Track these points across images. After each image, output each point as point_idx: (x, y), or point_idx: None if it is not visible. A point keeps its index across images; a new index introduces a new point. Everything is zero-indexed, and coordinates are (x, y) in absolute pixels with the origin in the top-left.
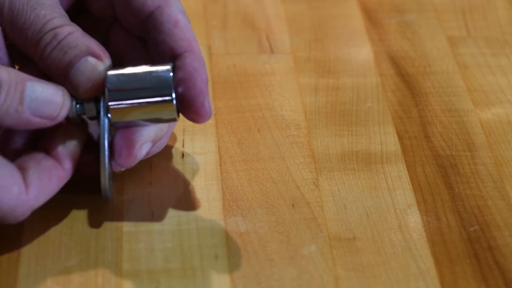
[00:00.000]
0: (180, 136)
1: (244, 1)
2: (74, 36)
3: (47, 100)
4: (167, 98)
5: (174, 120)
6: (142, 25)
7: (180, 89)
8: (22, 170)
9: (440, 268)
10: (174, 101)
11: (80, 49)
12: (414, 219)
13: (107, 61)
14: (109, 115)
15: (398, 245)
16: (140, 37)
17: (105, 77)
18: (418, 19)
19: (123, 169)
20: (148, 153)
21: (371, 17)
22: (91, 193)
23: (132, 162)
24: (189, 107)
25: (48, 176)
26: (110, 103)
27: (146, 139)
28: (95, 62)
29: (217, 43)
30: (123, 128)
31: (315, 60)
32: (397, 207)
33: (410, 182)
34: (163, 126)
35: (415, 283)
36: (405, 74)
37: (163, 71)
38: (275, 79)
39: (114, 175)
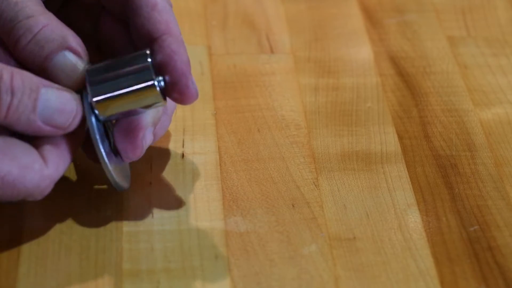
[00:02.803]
0: (180, 136)
1: (244, 1)
2: (50, 29)
3: (60, 109)
4: (148, 83)
5: (161, 104)
6: (124, 9)
7: (162, 73)
8: (38, 146)
9: (440, 268)
10: (157, 87)
11: (57, 43)
12: (414, 219)
13: (85, 56)
14: (96, 111)
15: (398, 245)
16: (126, 23)
17: (85, 73)
18: (418, 19)
19: (135, 159)
20: (154, 136)
21: (371, 17)
22: (91, 193)
23: (141, 152)
24: (173, 89)
25: (63, 146)
26: (94, 99)
27: (146, 125)
28: (73, 59)
29: (217, 43)
30: (113, 120)
31: (315, 60)
32: (397, 207)
33: (410, 182)
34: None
35: (415, 283)
36: (405, 74)
37: (140, 57)
38: (275, 79)
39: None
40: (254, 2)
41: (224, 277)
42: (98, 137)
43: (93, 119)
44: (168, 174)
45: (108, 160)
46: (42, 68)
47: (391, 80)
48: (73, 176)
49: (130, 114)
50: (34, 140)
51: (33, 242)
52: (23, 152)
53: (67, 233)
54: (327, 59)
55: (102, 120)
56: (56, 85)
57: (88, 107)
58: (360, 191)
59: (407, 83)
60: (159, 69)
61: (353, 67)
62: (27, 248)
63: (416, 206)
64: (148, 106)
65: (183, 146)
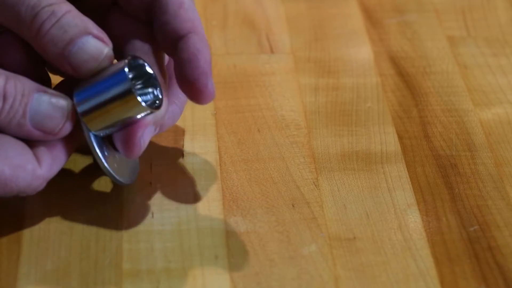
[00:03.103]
0: (180, 136)
1: (244, 1)
2: (73, 15)
3: (50, 115)
4: (128, 96)
5: (150, 112)
6: (147, 8)
7: (183, 70)
8: (32, 146)
9: (440, 268)
10: (138, 98)
11: (80, 28)
12: (414, 219)
13: (109, 42)
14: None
15: (398, 245)
16: (142, 21)
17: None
18: (418, 19)
19: (133, 158)
20: (160, 128)
21: (371, 17)
22: (91, 193)
23: (138, 151)
24: (192, 88)
25: (58, 147)
26: (81, 117)
27: (145, 124)
28: (97, 43)
29: (217, 43)
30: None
31: (315, 60)
32: (397, 207)
33: (410, 182)
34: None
35: (415, 283)
36: (405, 74)
37: (118, 70)
38: (275, 79)
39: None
40: (254, 2)
41: (224, 277)
42: (95, 144)
43: (85, 127)
44: (168, 174)
45: (110, 155)
46: (63, 54)
47: (391, 80)
48: (73, 176)
49: (125, 124)
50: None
51: (33, 242)
52: (17, 152)
53: (67, 233)
54: (327, 59)
55: (96, 133)
56: (51, 91)
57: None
58: (360, 191)
59: (407, 83)
60: (179, 66)
61: (353, 67)
62: (27, 248)
63: (416, 206)
64: (138, 115)
65: (183, 146)
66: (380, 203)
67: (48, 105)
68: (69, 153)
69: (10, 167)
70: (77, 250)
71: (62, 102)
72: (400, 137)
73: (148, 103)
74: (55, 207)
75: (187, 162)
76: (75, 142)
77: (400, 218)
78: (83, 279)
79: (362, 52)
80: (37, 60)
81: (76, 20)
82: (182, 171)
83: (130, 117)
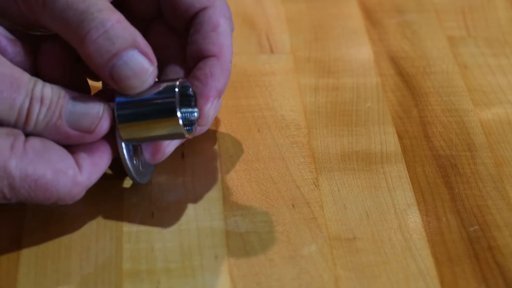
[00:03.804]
0: None
1: (244, 1)
2: (122, 26)
3: (85, 112)
4: (172, 119)
5: (185, 137)
6: (188, 22)
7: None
8: (73, 153)
9: (440, 268)
10: (180, 121)
11: (128, 41)
12: (414, 219)
13: (154, 60)
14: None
15: (398, 245)
16: (183, 35)
17: (116, 95)
18: (418, 19)
19: (154, 163)
20: (198, 131)
21: (371, 17)
22: (91, 193)
23: (162, 158)
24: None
25: (99, 155)
26: (119, 124)
27: None
28: (143, 59)
29: None
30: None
31: (315, 60)
32: (397, 207)
33: (410, 182)
34: None
35: (415, 283)
36: (405, 74)
37: (169, 90)
38: (275, 79)
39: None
40: (254, 2)
41: (224, 277)
42: (126, 154)
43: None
44: (168, 174)
45: (134, 159)
46: (107, 65)
47: (391, 80)
48: None
49: (151, 140)
50: (71, 147)
51: (33, 242)
52: (59, 157)
53: (67, 233)
54: (327, 59)
55: (127, 143)
56: (85, 94)
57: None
58: (360, 191)
59: (407, 83)
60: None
61: (353, 67)
62: (27, 248)
63: (416, 206)
64: (171, 137)
65: (183, 146)
66: (380, 203)
67: (83, 104)
68: (107, 162)
69: (52, 171)
70: (77, 250)
71: (96, 100)
72: (400, 137)
73: (185, 123)
74: (55, 207)
75: (187, 162)
76: (113, 152)
77: (400, 218)
78: (83, 279)
79: (362, 52)
80: (79, 71)
81: (124, 32)
82: (182, 171)
83: (166, 135)
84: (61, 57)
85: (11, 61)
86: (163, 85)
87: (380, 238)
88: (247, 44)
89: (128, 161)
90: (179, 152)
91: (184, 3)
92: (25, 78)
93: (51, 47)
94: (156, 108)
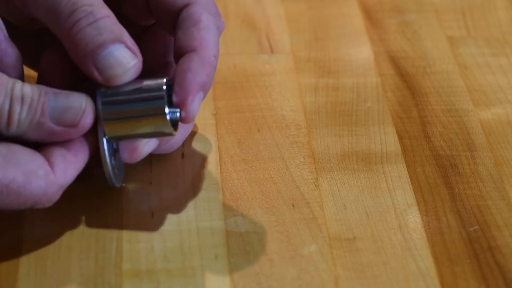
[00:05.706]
0: None
1: (244, 1)
2: (111, 20)
3: (67, 106)
4: (159, 114)
5: (170, 134)
6: (173, 23)
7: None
8: (45, 152)
9: (440, 268)
10: (168, 116)
11: (115, 34)
12: (414, 219)
13: (139, 56)
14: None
15: (398, 245)
16: (172, 35)
17: (99, 92)
18: (418, 19)
19: (131, 162)
20: (159, 146)
21: (371, 17)
22: (91, 193)
23: (137, 157)
24: (176, 104)
25: (73, 152)
26: (103, 119)
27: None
28: (127, 53)
29: None
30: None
31: (315, 60)
32: (397, 207)
33: (410, 182)
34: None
35: (415, 283)
36: (405, 74)
37: (156, 87)
38: (275, 79)
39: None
40: (254, 2)
41: (224, 277)
42: (106, 152)
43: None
44: (168, 174)
45: (110, 156)
46: (91, 55)
47: (391, 80)
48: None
49: (136, 137)
50: (41, 147)
51: (33, 242)
52: (28, 158)
53: (67, 233)
54: (327, 59)
55: (109, 139)
56: (65, 91)
57: (100, 117)
58: (360, 191)
59: (407, 83)
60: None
61: (353, 67)
62: (27, 248)
63: (416, 206)
64: (156, 135)
65: (183, 146)
66: (380, 203)
67: (65, 99)
68: (84, 158)
69: (22, 174)
70: (77, 250)
71: (78, 94)
72: (400, 137)
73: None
74: (55, 207)
75: (187, 162)
76: (91, 148)
77: (400, 218)
78: (83, 279)
79: (362, 52)
80: (78, 82)
81: (113, 27)
82: (182, 171)
83: (150, 133)
84: (61, 67)
85: (12, 65)
86: (150, 82)
87: (380, 238)
88: (247, 44)
89: (108, 159)
90: (179, 152)
91: (167, 1)
92: (3, 79)
93: (51, 57)
94: (143, 104)
